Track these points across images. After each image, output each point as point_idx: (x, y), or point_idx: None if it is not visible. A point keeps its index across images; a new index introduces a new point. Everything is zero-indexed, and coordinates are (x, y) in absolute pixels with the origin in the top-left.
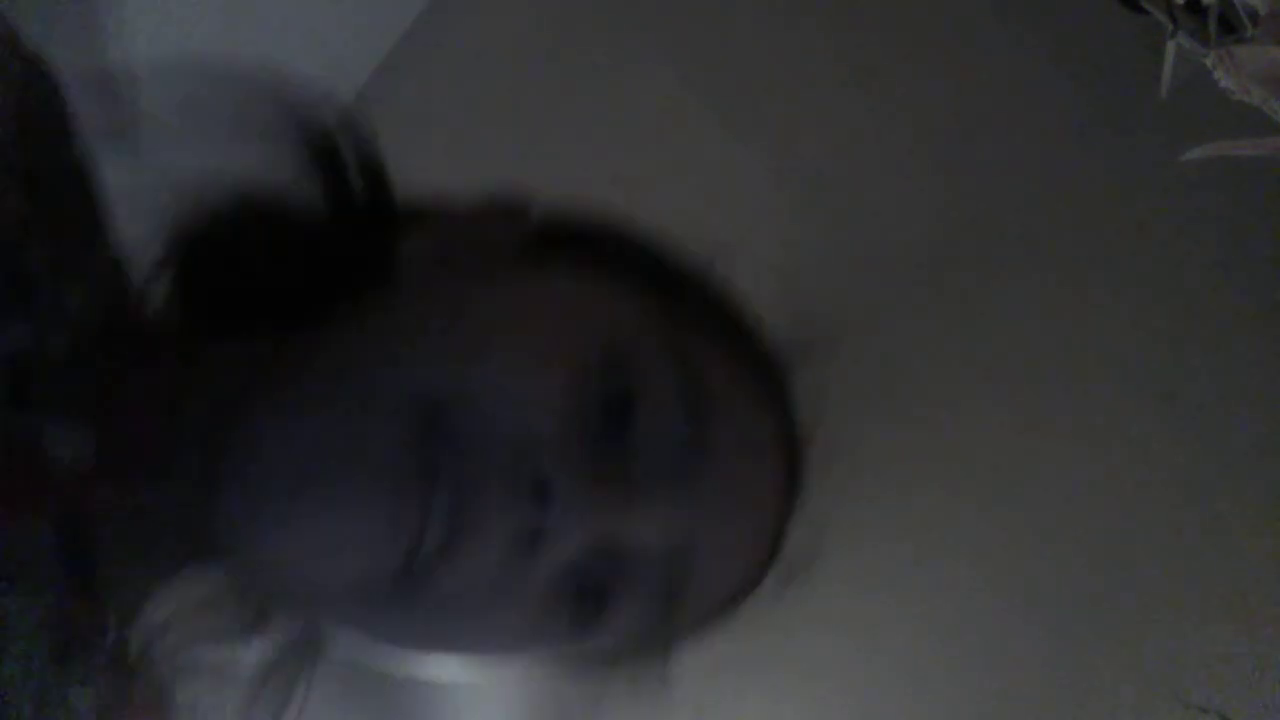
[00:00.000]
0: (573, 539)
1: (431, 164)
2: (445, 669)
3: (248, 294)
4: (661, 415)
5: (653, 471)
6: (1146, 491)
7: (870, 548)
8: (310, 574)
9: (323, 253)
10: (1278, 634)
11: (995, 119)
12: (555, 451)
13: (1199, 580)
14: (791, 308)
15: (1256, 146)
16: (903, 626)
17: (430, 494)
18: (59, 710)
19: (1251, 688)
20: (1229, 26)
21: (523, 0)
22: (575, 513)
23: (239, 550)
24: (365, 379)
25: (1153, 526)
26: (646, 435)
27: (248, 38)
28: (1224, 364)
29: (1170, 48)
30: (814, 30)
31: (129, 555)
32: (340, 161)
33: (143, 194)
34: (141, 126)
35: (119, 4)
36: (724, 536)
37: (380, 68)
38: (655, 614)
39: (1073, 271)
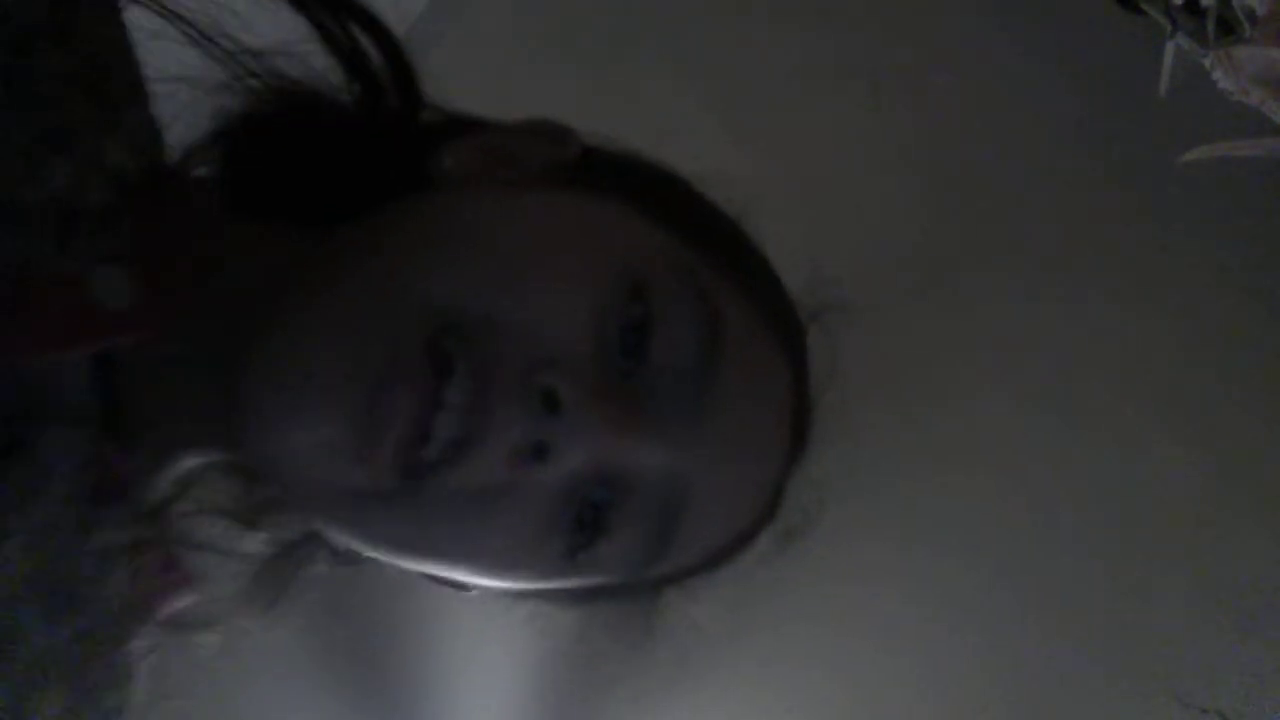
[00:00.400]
0: (577, 454)
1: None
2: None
3: (286, 181)
4: (677, 347)
5: (662, 400)
6: (1146, 491)
7: (870, 547)
8: (319, 467)
9: (358, 149)
10: (1278, 634)
11: (995, 119)
12: (569, 366)
13: (1199, 580)
14: (812, 271)
15: (1256, 147)
16: (903, 626)
17: (442, 392)
18: (93, 554)
19: (1251, 688)
20: (1227, 27)
21: (522, 1)
22: (581, 428)
23: (255, 434)
24: (392, 280)
25: (1153, 526)
26: (660, 364)
27: (245, 39)
28: (1224, 364)
29: (1169, 48)
30: (814, 30)
31: (159, 407)
32: (367, 61)
33: (187, 74)
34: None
35: None
36: (724, 477)
37: None
38: (649, 550)
39: (1073, 271)
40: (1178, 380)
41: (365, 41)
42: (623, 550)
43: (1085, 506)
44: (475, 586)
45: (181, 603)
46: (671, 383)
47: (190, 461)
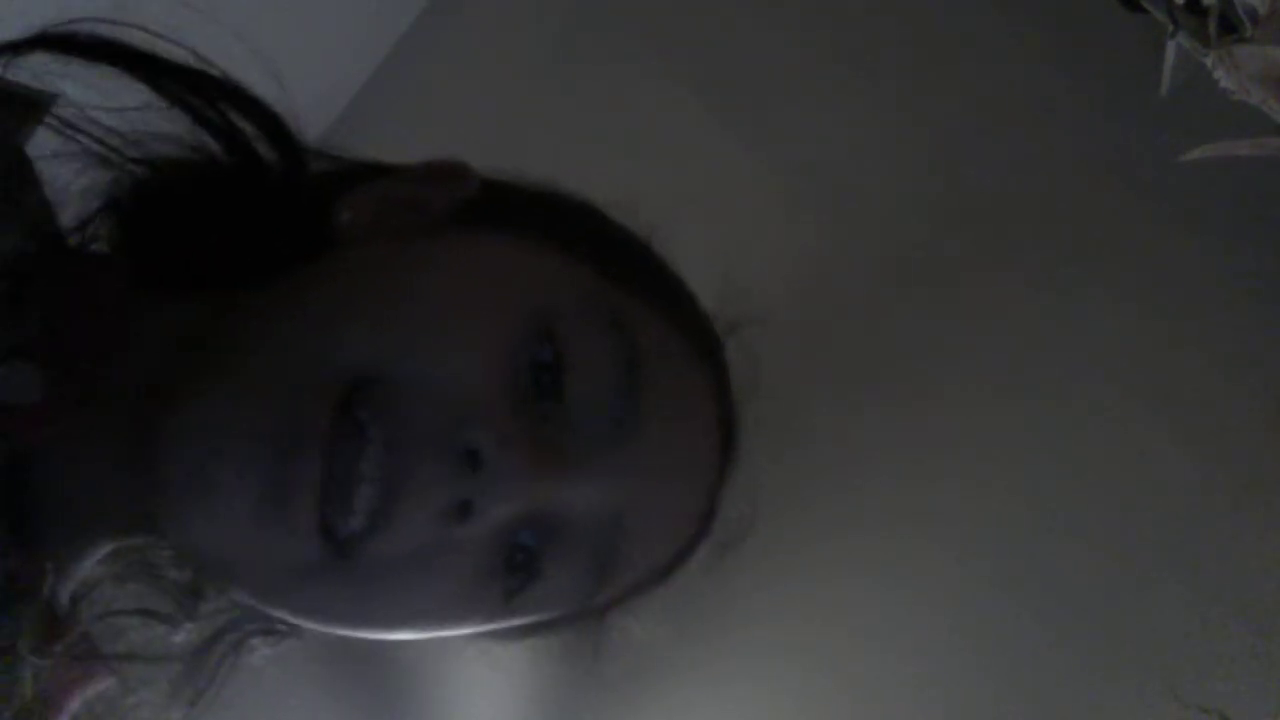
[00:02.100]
0: (503, 507)
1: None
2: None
3: (180, 251)
4: (594, 380)
5: (584, 435)
6: (1146, 491)
7: (869, 546)
8: (241, 543)
9: (245, 213)
10: (1278, 634)
11: (995, 118)
12: (486, 419)
13: (1199, 580)
14: (725, 285)
15: (1256, 146)
16: (902, 626)
17: (358, 462)
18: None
19: (1251, 688)
20: (1229, 26)
21: (522, 0)
22: (505, 480)
23: (173, 515)
24: (294, 346)
25: (1152, 525)
26: (579, 400)
27: (245, 40)
28: (1224, 364)
29: (1170, 48)
30: (814, 30)
31: (72, 498)
32: (238, 133)
33: (69, 156)
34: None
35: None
36: (654, 503)
37: (380, 68)
38: (586, 582)
39: (1073, 271)
40: (1178, 380)
41: (233, 113)
42: (559, 587)
43: (1084, 505)
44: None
45: (95, 690)
46: (592, 417)
47: (107, 552)
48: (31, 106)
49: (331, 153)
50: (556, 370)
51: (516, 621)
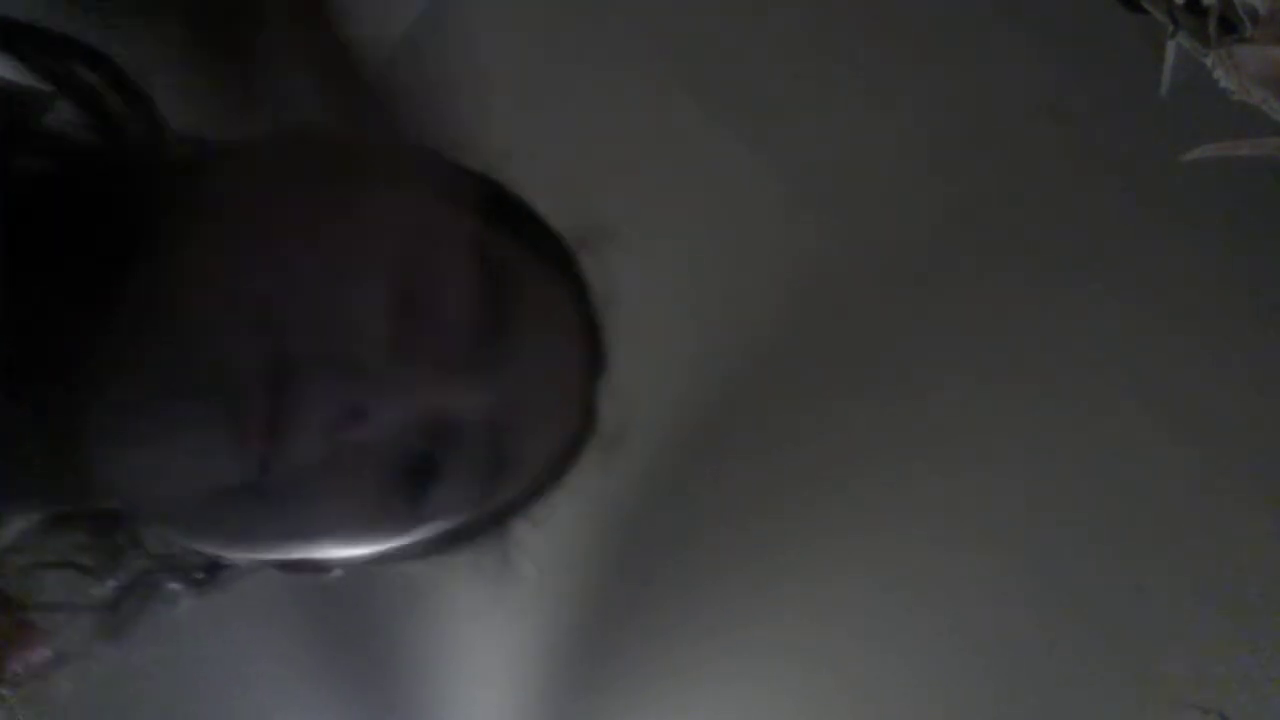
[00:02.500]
0: (394, 411)
1: None
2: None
3: (55, 228)
4: (467, 300)
5: (464, 345)
6: (1146, 491)
7: (869, 545)
8: (159, 485)
9: (117, 188)
10: (1278, 634)
11: (994, 118)
12: (369, 336)
13: (1199, 581)
14: (572, 206)
15: (1256, 146)
16: (901, 626)
17: (256, 388)
18: None
19: (1251, 688)
20: (1229, 26)
21: (522, 3)
22: (393, 386)
23: (109, 469)
24: (208, 287)
25: (1153, 526)
26: (455, 316)
27: None
28: (1224, 364)
29: (1170, 48)
30: (814, 30)
31: None
32: (100, 97)
33: None
34: None
35: None
36: (535, 403)
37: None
38: (483, 483)
39: (1073, 271)
40: (1178, 380)
41: (91, 77)
42: (459, 491)
43: (1084, 505)
44: (334, 565)
45: (31, 657)
46: (470, 328)
47: (25, 520)
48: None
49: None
50: (433, 288)
51: (425, 531)
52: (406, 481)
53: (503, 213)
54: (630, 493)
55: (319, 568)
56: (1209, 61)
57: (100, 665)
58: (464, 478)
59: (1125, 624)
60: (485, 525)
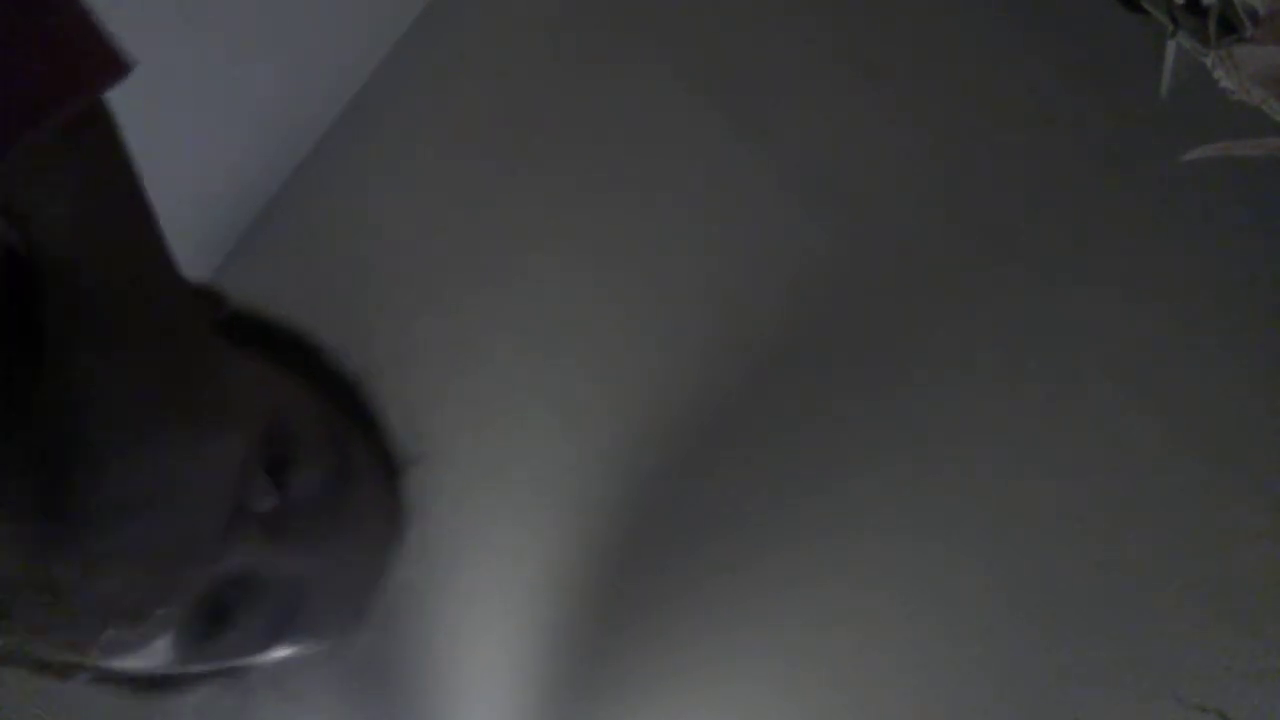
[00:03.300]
0: (227, 562)
1: (432, 163)
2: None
3: None
4: (311, 483)
5: (299, 522)
6: (1146, 491)
7: (869, 546)
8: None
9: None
10: (1278, 634)
11: (995, 119)
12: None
13: (1199, 580)
14: (409, 427)
15: (1256, 146)
16: (901, 625)
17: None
18: None
19: (1251, 688)
20: (1229, 26)
21: (523, 2)
22: (233, 542)
23: None
24: (54, 432)
25: (1152, 527)
26: (299, 492)
27: (247, 40)
28: (1224, 364)
29: (1170, 48)
30: (816, 30)
31: None
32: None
33: None
34: None
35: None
36: (338, 584)
37: (380, 67)
38: (271, 638)
39: (1073, 271)
40: (1178, 380)
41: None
42: (241, 640)
43: (1083, 506)
44: (85, 673)
45: None
46: (306, 507)
47: None
48: None
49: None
50: (284, 465)
51: (200, 665)
52: (199, 620)
53: (358, 412)
54: (630, 494)
55: (67, 673)
56: (1209, 61)
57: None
58: (254, 630)
59: (1125, 624)
60: (276, 662)
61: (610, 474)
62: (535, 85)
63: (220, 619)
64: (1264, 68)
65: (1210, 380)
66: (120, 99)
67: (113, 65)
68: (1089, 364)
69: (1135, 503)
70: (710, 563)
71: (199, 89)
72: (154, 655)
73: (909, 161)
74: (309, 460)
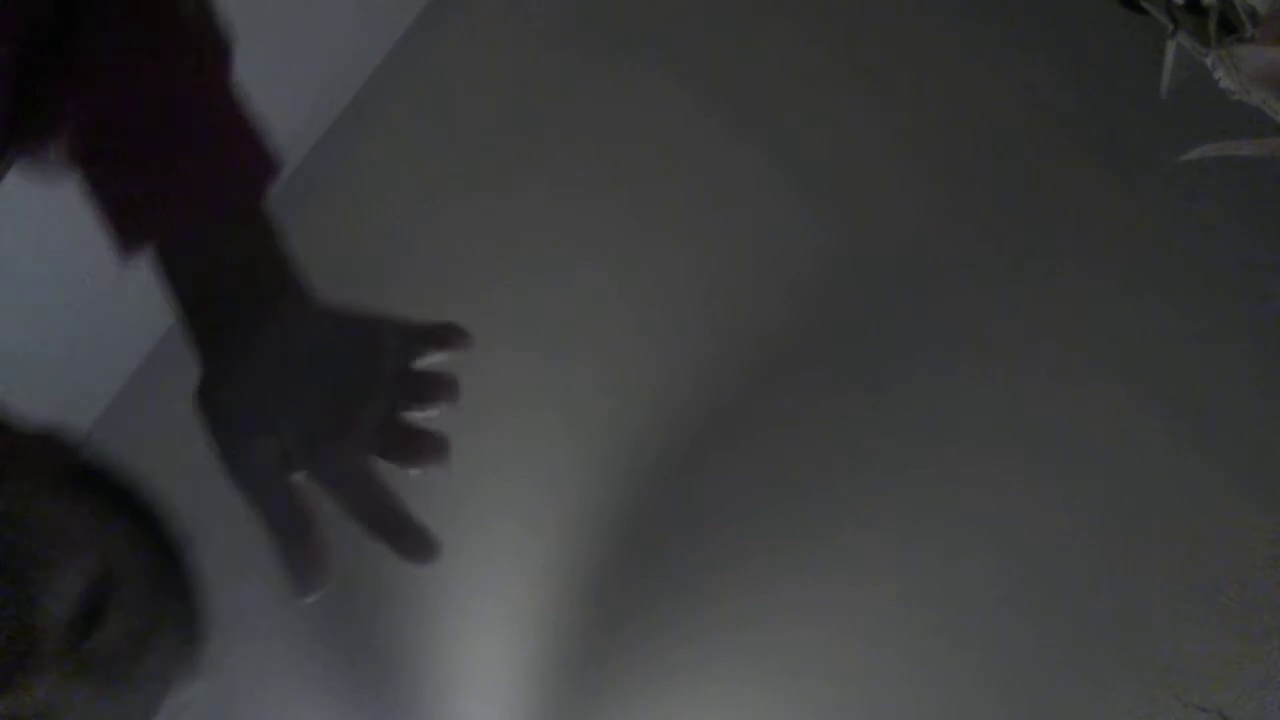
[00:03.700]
0: (23, 701)
1: (432, 163)
2: None
3: None
4: (121, 627)
5: (98, 663)
6: (1146, 492)
7: (868, 546)
8: None
9: None
10: (1278, 634)
11: (996, 119)
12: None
13: (1199, 580)
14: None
15: (1256, 146)
16: (901, 625)
17: None
18: None
19: (1251, 688)
20: (1229, 26)
21: (523, 1)
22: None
23: None
24: None
25: (1153, 526)
26: (106, 638)
27: (246, 40)
28: (1224, 363)
29: (1170, 48)
30: (816, 31)
31: None
32: None
33: None
34: None
35: None
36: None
37: (381, 67)
38: None
39: (1073, 270)
40: (1179, 378)
41: None
42: None
43: (1084, 505)
44: None
45: None
46: (106, 653)
47: None
48: None
49: None
50: (100, 612)
51: None
52: None
53: (159, 542)
54: (630, 494)
55: None
56: (1209, 61)
57: None
58: None
59: (1125, 624)
60: None
61: (610, 474)
62: (535, 86)
63: None
64: (1264, 68)
65: (1210, 379)
66: None
67: (270, 165)
68: (1089, 363)
69: (1135, 503)
70: (710, 561)
71: None
72: None
73: (908, 161)
74: (123, 609)
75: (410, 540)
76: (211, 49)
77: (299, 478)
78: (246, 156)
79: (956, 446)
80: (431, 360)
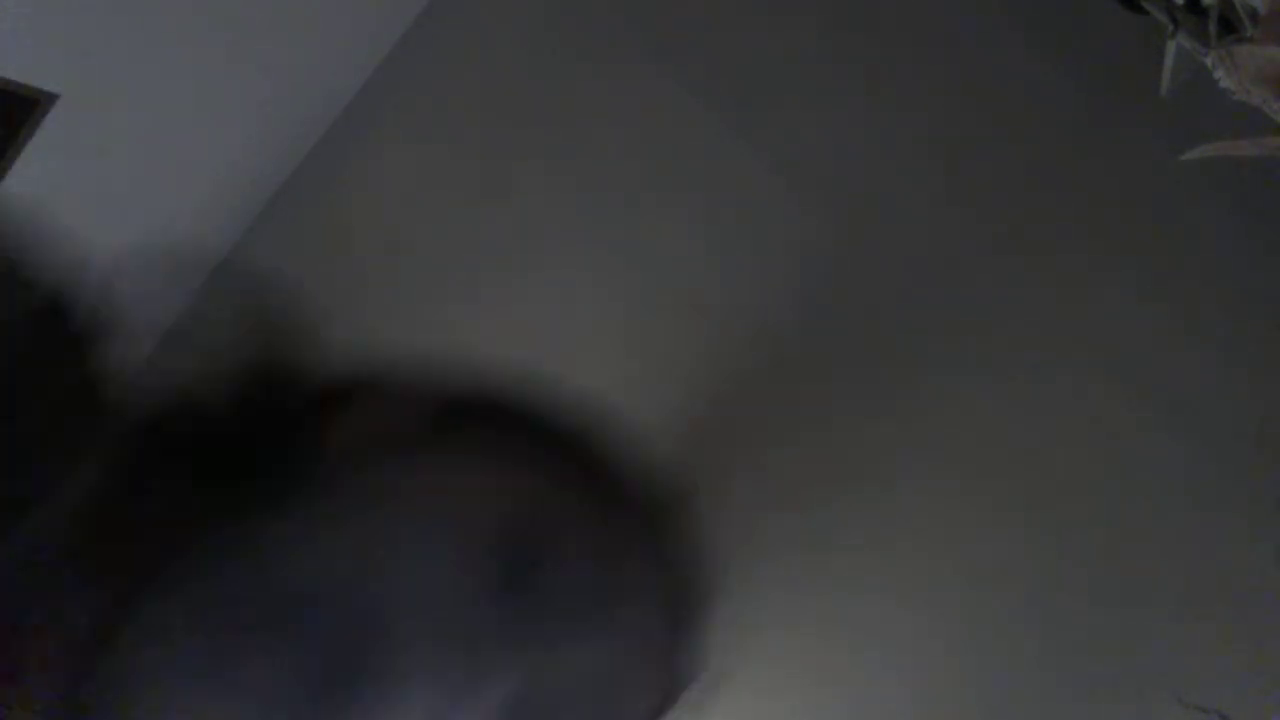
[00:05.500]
0: (498, 682)
1: (432, 163)
2: None
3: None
4: (555, 571)
5: (558, 617)
6: (1146, 491)
7: (868, 547)
8: None
9: (236, 443)
10: (1278, 634)
11: (997, 119)
12: (469, 613)
13: (1199, 580)
14: (669, 460)
15: (1256, 146)
16: (901, 626)
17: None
18: None
19: (1251, 688)
20: (1229, 26)
21: (523, 2)
22: (496, 658)
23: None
24: (286, 566)
25: (1152, 526)
26: (546, 589)
27: (246, 40)
28: (1224, 364)
29: (1170, 48)
30: (818, 31)
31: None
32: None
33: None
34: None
35: (119, 9)
36: (623, 674)
37: (380, 68)
38: None
39: (1073, 270)
40: (1179, 379)
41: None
42: None
43: (1084, 505)
44: None
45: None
46: (559, 600)
47: None
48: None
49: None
50: (526, 563)
51: None
52: None
53: (595, 477)
54: None
55: None
56: (1209, 61)
57: None
58: None
59: (1125, 625)
60: None
61: None
62: (534, 87)
63: None
64: (1264, 68)
65: (1210, 380)
66: (120, 100)
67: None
68: (1088, 362)
69: (1135, 504)
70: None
71: (199, 90)
72: None
73: (909, 161)
74: (558, 552)
75: None
76: None
77: None
78: None
79: (956, 448)
80: None
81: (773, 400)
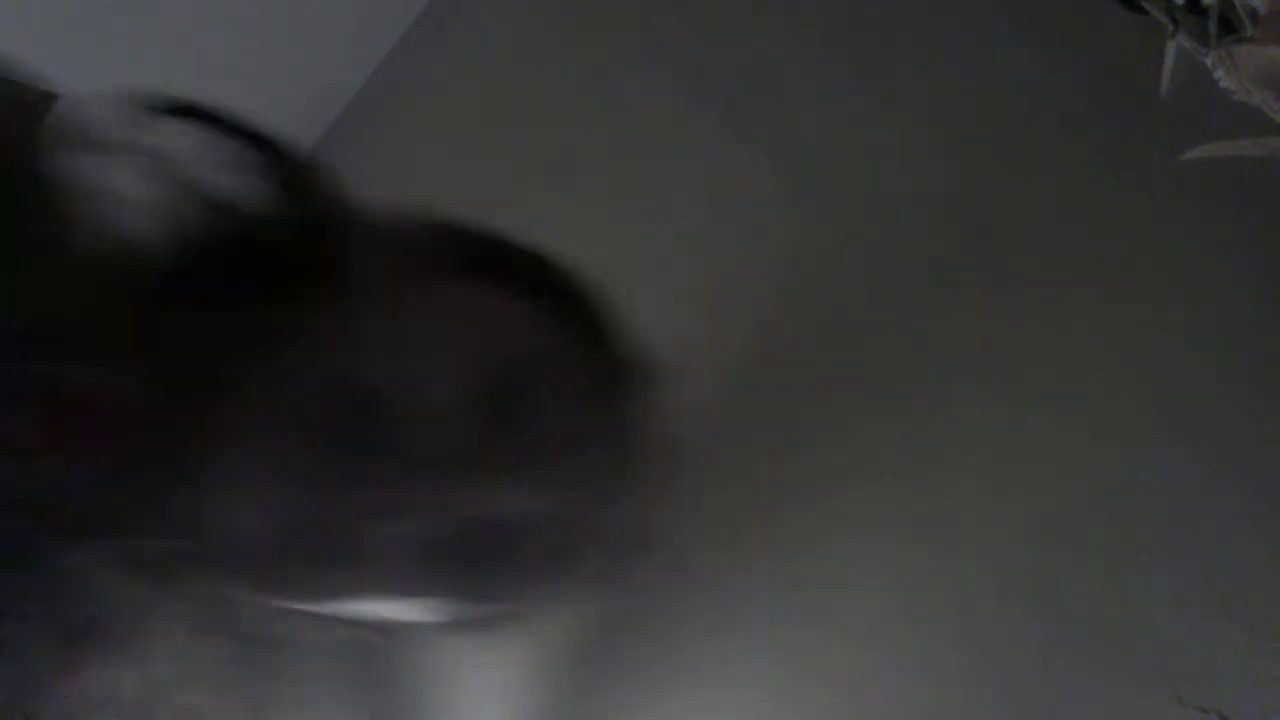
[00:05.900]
0: (466, 499)
1: (432, 163)
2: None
3: (220, 284)
4: (546, 405)
5: (543, 446)
6: (1145, 491)
7: (866, 546)
8: (245, 542)
9: (269, 258)
10: (1278, 634)
11: (994, 119)
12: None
13: (1199, 580)
14: (646, 334)
15: (1256, 146)
16: (899, 625)
17: (353, 465)
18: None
19: (1251, 688)
20: (1229, 26)
21: (523, 2)
22: (467, 472)
23: (191, 509)
24: (310, 369)
25: (1152, 526)
26: (534, 418)
27: (246, 40)
28: (1224, 364)
29: (1170, 48)
30: (815, 29)
31: (78, 508)
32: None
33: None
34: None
35: (117, 9)
36: (599, 514)
37: (380, 68)
38: (537, 577)
39: (1073, 271)
40: (1177, 380)
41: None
42: (509, 581)
43: (1083, 505)
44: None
45: (97, 680)
46: (545, 431)
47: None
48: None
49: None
50: (520, 394)
51: (465, 607)
52: (459, 564)
53: (590, 326)
54: None
55: (371, 626)
56: (1209, 61)
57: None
58: (515, 572)
59: (1125, 625)
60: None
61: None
62: (533, 88)
63: (481, 560)
64: (1264, 68)
65: (1210, 379)
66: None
67: None
68: (1088, 364)
69: (1135, 501)
70: (710, 567)
71: (197, 90)
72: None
73: (908, 162)
74: (545, 383)
75: None
76: None
77: None
78: None
79: (954, 449)
80: None
81: (772, 400)
